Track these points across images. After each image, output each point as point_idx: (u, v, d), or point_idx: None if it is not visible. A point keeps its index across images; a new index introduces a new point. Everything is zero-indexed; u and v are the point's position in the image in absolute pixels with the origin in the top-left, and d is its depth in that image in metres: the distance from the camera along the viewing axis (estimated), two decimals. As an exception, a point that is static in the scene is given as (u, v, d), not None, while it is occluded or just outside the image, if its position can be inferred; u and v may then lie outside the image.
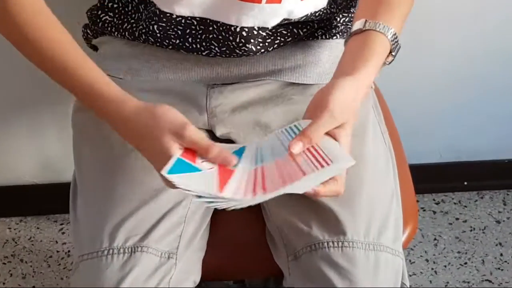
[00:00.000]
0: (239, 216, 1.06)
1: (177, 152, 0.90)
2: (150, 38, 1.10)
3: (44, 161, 1.73)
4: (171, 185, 0.88)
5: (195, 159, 0.91)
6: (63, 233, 1.76)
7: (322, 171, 0.87)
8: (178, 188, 0.87)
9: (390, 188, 1.08)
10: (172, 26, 1.08)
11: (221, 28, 1.07)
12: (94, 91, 0.98)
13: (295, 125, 0.95)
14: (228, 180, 0.89)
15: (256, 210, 1.10)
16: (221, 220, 1.11)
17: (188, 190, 0.86)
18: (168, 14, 1.07)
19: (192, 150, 0.92)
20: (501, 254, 1.70)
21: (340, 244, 0.99)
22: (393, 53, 1.01)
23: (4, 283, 1.68)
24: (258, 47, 1.08)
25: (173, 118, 0.92)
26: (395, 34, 1.00)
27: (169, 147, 0.90)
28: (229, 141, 1.10)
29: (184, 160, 0.90)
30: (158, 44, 1.11)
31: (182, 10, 1.06)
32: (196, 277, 1.07)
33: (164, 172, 0.87)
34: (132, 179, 1.03)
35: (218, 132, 1.11)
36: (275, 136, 0.96)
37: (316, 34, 1.14)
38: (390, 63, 1.03)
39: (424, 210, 1.78)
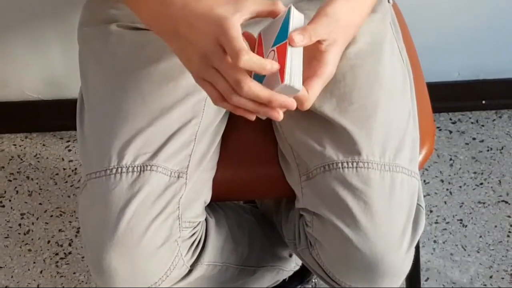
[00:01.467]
0: (251, 135, 1.06)
1: None
2: None
3: (50, 77, 1.72)
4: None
5: None
6: (69, 150, 1.77)
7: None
8: None
9: (407, 107, 1.06)
10: None
11: None
12: None
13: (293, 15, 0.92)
14: None
15: (268, 129, 1.09)
16: (232, 140, 1.11)
17: None
18: None
19: None
20: (518, 175, 1.69)
21: (354, 164, 0.98)
22: None
23: (10, 200, 1.69)
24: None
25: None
26: None
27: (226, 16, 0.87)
28: None
29: None
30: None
31: None
32: (206, 197, 1.06)
33: None
34: (140, 97, 1.02)
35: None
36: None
37: None
38: None
39: (440, 130, 1.77)
